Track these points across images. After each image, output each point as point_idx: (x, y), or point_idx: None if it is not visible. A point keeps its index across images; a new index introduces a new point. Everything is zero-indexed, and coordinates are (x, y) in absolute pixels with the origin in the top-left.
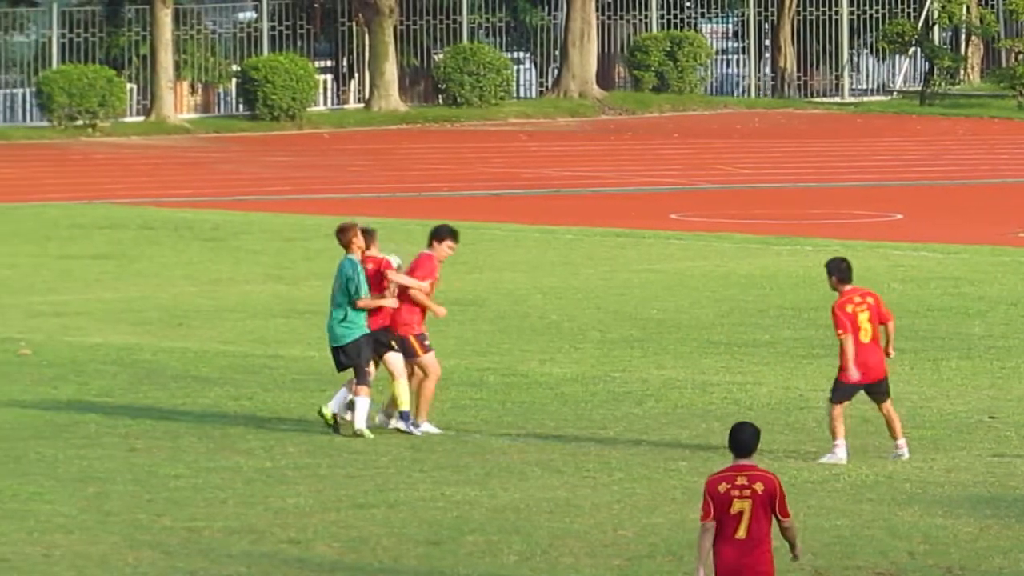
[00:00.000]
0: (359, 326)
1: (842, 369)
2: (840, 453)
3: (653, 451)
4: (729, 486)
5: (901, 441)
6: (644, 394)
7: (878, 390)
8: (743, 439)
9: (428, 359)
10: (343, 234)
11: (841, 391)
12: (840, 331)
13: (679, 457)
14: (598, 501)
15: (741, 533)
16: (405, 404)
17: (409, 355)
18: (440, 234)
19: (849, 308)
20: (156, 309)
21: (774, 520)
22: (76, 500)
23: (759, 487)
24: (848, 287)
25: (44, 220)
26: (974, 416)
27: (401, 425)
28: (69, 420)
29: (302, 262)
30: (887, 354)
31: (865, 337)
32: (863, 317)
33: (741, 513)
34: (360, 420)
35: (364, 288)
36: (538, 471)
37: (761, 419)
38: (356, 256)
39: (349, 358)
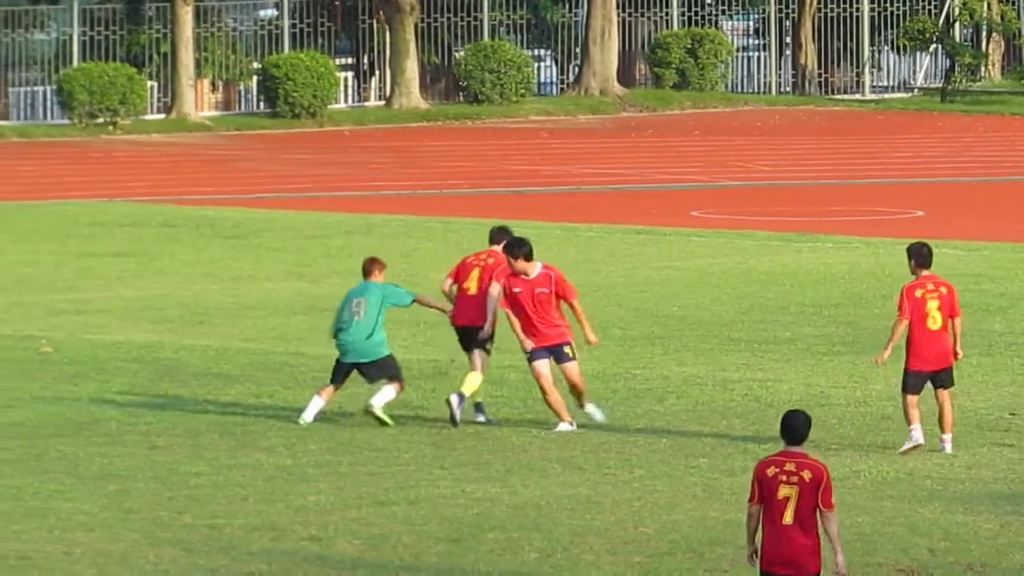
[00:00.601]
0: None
1: (906, 354)
2: (915, 435)
3: (674, 448)
4: (777, 471)
5: (947, 436)
6: (665, 391)
7: (939, 378)
8: (795, 426)
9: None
10: (367, 263)
11: (908, 382)
12: (899, 314)
13: (700, 454)
14: (619, 498)
15: (788, 519)
16: (478, 396)
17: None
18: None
19: (918, 293)
20: (177, 307)
21: (819, 515)
22: (97, 498)
23: (807, 475)
24: (925, 272)
25: (65, 218)
26: (995, 413)
27: (480, 418)
28: (90, 418)
29: (323, 259)
30: (955, 355)
31: (933, 324)
32: (932, 305)
33: (787, 499)
34: (380, 399)
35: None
36: (559, 468)
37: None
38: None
39: (382, 371)
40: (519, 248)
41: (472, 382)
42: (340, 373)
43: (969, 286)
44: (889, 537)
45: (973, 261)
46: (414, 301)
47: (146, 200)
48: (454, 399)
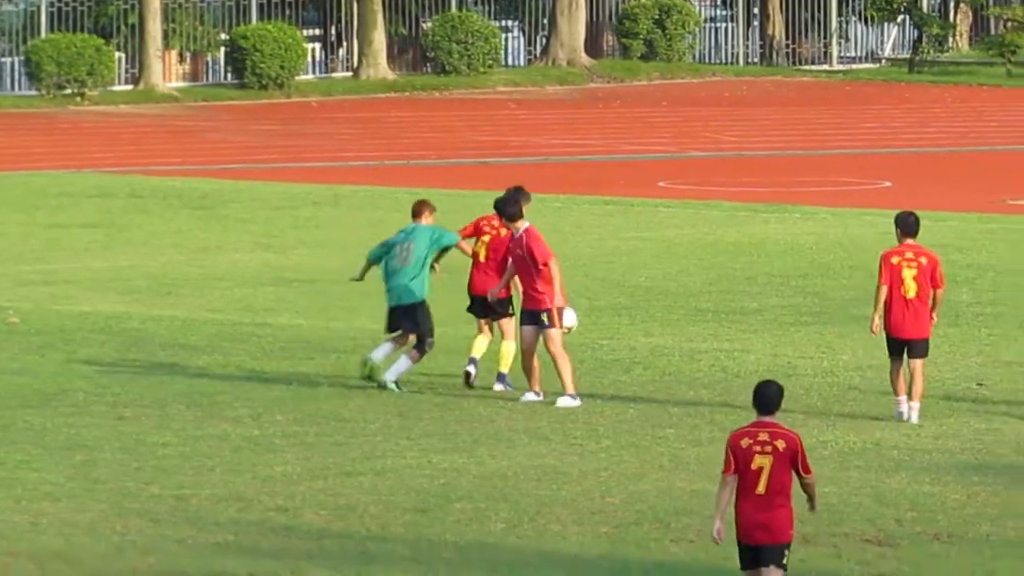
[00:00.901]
0: (425, 288)
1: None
2: (900, 409)
3: (641, 418)
4: (751, 442)
5: (915, 404)
6: (632, 361)
7: (913, 349)
8: (768, 396)
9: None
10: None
11: (888, 347)
12: (878, 280)
13: (667, 424)
14: (585, 468)
15: (761, 488)
16: (506, 367)
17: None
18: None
19: (895, 260)
20: (144, 277)
21: (795, 477)
22: (64, 468)
23: (780, 444)
24: (910, 241)
25: (32, 189)
26: (962, 383)
27: (499, 387)
28: (57, 388)
29: (291, 230)
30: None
31: (907, 293)
32: (908, 273)
33: (761, 469)
34: (394, 371)
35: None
36: (526, 439)
37: (750, 387)
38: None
39: (413, 322)
40: (500, 208)
41: (505, 352)
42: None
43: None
44: (856, 507)
45: (940, 232)
46: (456, 245)
47: (114, 171)
48: (471, 368)
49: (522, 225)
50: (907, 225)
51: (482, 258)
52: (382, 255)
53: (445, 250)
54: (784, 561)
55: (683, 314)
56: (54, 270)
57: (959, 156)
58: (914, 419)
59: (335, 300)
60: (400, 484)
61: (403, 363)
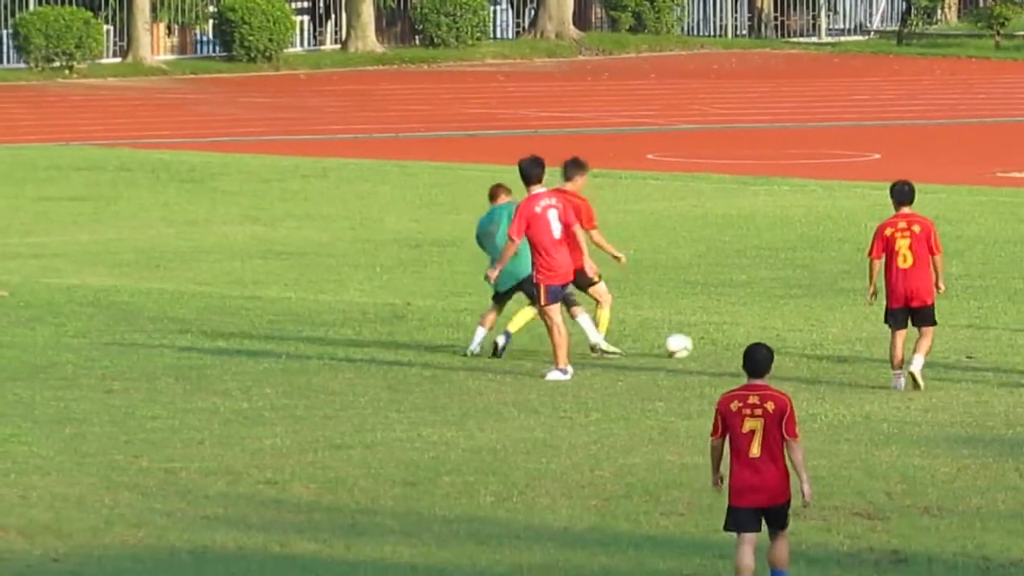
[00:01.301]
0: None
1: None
2: (898, 383)
3: (630, 391)
4: (741, 404)
5: (918, 356)
6: (621, 334)
7: (919, 316)
8: (757, 359)
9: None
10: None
11: (887, 319)
12: (869, 253)
13: (656, 397)
14: (575, 442)
15: (754, 451)
16: (602, 330)
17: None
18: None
19: (888, 232)
20: (133, 251)
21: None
22: (53, 442)
23: (770, 406)
24: (905, 210)
25: (21, 162)
26: (952, 356)
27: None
28: (46, 361)
29: (279, 203)
30: (937, 288)
31: (903, 263)
32: (902, 243)
33: (753, 432)
34: (592, 335)
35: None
36: (515, 412)
37: (739, 359)
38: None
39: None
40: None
41: (602, 319)
42: (501, 299)
43: None
44: (846, 480)
45: (929, 204)
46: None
47: (102, 144)
48: (596, 338)
49: (534, 190)
50: (901, 194)
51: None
52: (485, 245)
53: None
54: (787, 520)
55: (672, 287)
56: (43, 243)
57: (948, 128)
58: (916, 368)
59: (324, 273)
60: (389, 457)
61: (586, 321)
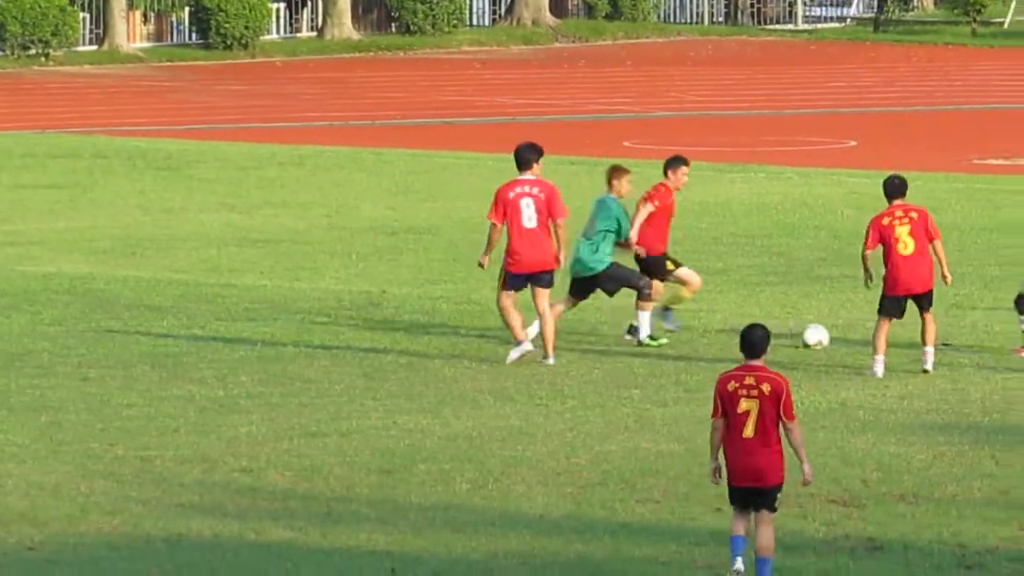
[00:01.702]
0: (607, 255)
1: (884, 283)
2: (876, 369)
3: (606, 379)
4: (737, 385)
5: (929, 349)
6: (598, 321)
7: (922, 300)
8: (753, 341)
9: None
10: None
11: (882, 305)
12: (865, 244)
13: (632, 385)
14: (551, 429)
15: (749, 432)
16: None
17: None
18: (675, 163)
19: (885, 221)
20: (109, 238)
21: (782, 427)
22: (28, 429)
23: (766, 388)
24: (897, 202)
25: None
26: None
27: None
28: (22, 349)
29: (255, 191)
30: (944, 278)
31: (904, 250)
32: (902, 231)
33: (748, 412)
34: (645, 329)
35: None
36: (491, 399)
37: (715, 346)
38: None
39: (612, 282)
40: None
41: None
42: (585, 290)
43: None
44: (822, 468)
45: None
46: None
47: (78, 132)
48: (669, 321)
49: (522, 176)
50: (893, 187)
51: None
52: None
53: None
54: (776, 504)
55: None
56: (19, 231)
57: (925, 115)
58: (928, 366)
59: (300, 260)
60: (365, 445)
61: (644, 318)
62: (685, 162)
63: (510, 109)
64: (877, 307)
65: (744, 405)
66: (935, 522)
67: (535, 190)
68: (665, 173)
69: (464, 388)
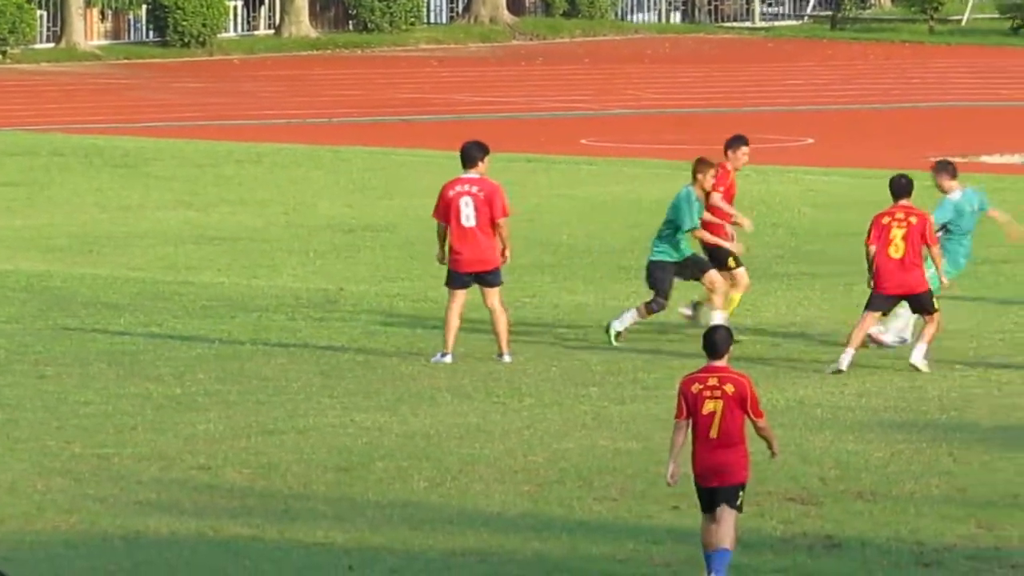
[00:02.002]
0: (662, 251)
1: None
2: (844, 360)
3: (564, 377)
4: (701, 387)
5: (922, 345)
6: (555, 319)
7: (914, 304)
8: (716, 341)
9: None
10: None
11: (870, 301)
12: (866, 240)
13: (590, 383)
14: (509, 427)
15: (714, 433)
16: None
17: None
18: (735, 143)
19: (885, 220)
20: (66, 236)
21: (749, 421)
22: None
23: (730, 388)
24: (903, 202)
25: None
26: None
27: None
28: None
29: (213, 188)
30: (940, 283)
31: (895, 252)
32: (896, 233)
33: (713, 413)
34: (620, 323)
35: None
36: (448, 397)
37: (672, 344)
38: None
39: (649, 277)
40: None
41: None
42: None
43: (859, 214)
44: (780, 466)
45: (863, 188)
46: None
47: (35, 129)
48: (718, 316)
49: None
50: (899, 187)
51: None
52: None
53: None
54: (738, 502)
55: (606, 272)
56: None
57: (882, 113)
58: (916, 359)
59: (257, 258)
60: (322, 443)
61: (629, 315)
62: (745, 142)
63: (467, 107)
64: (867, 303)
65: (709, 406)
66: (893, 520)
67: (475, 188)
68: (725, 153)
69: (421, 386)
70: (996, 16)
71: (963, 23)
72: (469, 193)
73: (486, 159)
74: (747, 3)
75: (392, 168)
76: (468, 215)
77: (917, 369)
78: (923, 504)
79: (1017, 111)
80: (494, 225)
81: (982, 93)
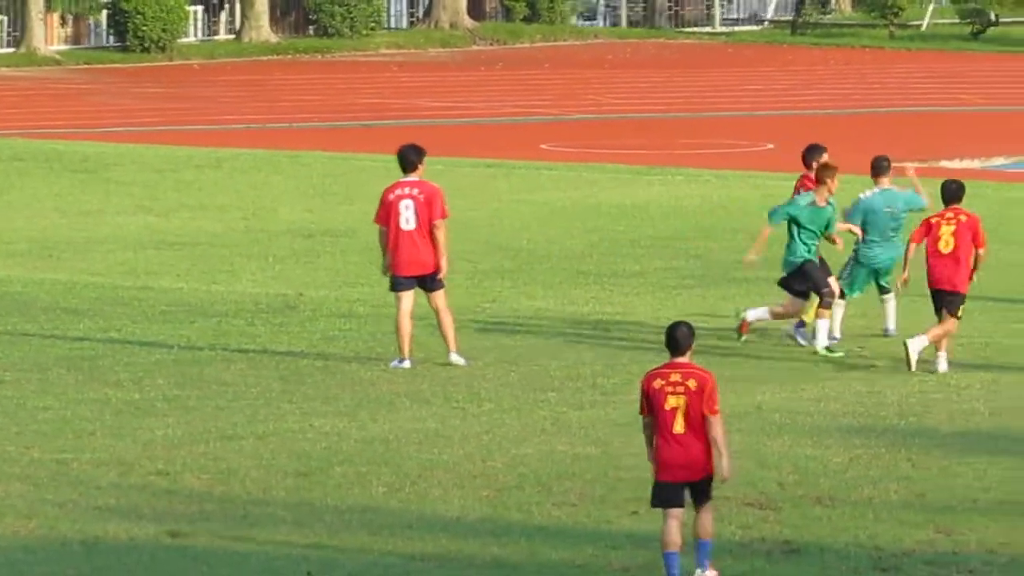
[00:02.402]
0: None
1: None
2: (940, 363)
3: (523, 382)
4: (664, 382)
5: (941, 353)
6: (515, 324)
7: (945, 301)
8: (677, 337)
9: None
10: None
11: (933, 301)
12: (910, 236)
13: (549, 388)
14: (467, 432)
15: (678, 428)
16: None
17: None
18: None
19: (934, 219)
20: (26, 241)
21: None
22: None
23: (692, 383)
24: (952, 206)
25: None
26: (844, 345)
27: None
28: None
29: (172, 193)
30: (969, 277)
31: (944, 248)
32: (946, 230)
33: (676, 409)
34: (821, 340)
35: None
36: (407, 402)
37: (632, 349)
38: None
39: (796, 283)
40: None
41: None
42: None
43: None
44: (738, 471)
45: None
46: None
47: None
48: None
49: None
50: (949, 193)
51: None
52: None
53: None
54: (710, 494)
55: (566, 277)
56: None
57: (842, 118)
58: (941, 368)
59: (217, 263)
60: (282, 448)
61: (821, 326)
62: (824, 149)
63: (427, 112)
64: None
65: (672, 402)
66: (851, 525)
67: (415, 191)
68: (808, 164)
69: (381, 391)
70: (956, 21)
71: (923, 28)
72: (410, 196)
73: (424, 162)
74: (707, 8)
75: (352, 173)
76: (408, 218)
77: (934, 370)
78: (881, 509)
79: (977, 116)
80: (430, 228)
81: (942, 98)
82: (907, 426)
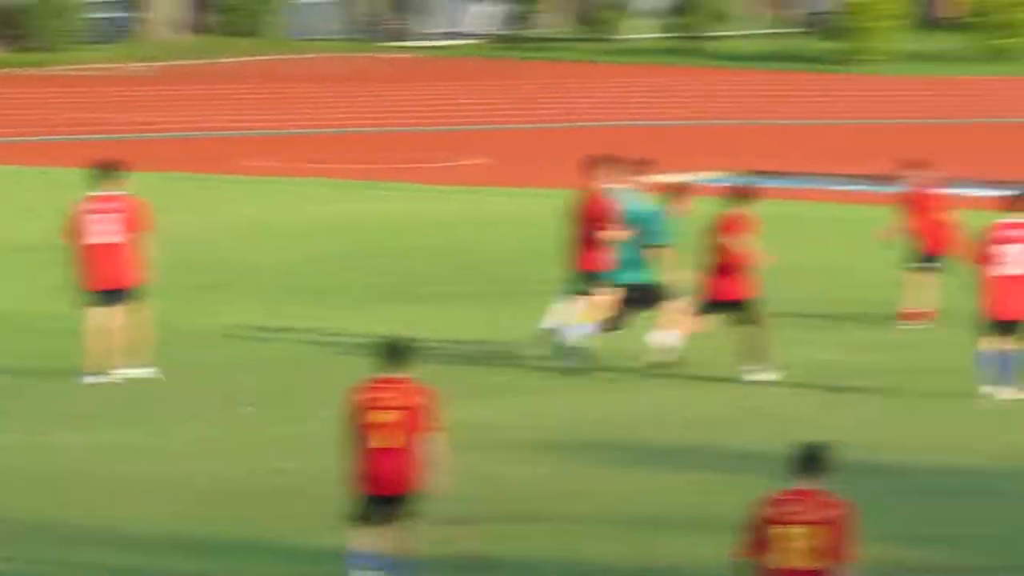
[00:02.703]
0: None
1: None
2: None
3: (223, 398)
4: (372, 396)
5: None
6: (223, 338)
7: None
8: (394, 351)
9: None
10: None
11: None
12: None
13: (248, 403)
14: (166, 447)
15: (386, 442)
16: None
17: None
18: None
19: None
20: None
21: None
22: None
23: (402, 400)
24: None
25: None
26: (551, 361)
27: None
28: None
29: None
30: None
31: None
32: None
33: (383, 424)
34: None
35: None
36: (102, 418)
37: (329, 363)
38: None
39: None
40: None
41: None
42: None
43: (526, 231)
44: (436, 486)
45: (537, 207)
46: None
47: None
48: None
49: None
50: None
51: None
52: None
53: None
54: (410, 511)
55: (275, 293)
56: None
57: (555, 132)
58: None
59: None
60: None
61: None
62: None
63: (135, 127)
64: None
65: (377, 416)
66: (550, 539)
67: (108, 205)
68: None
69: (74, 407)
70: (660, 36)
71: (633, 41)
72: (106, 210)
73: (119, 176)
74: (418, 23)
75: (43, 187)
76: (99, 232)
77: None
78: (583, 524)
79: (685, 130)
80: (129, 241)
81: (651, 112)
82: (611, 440)
